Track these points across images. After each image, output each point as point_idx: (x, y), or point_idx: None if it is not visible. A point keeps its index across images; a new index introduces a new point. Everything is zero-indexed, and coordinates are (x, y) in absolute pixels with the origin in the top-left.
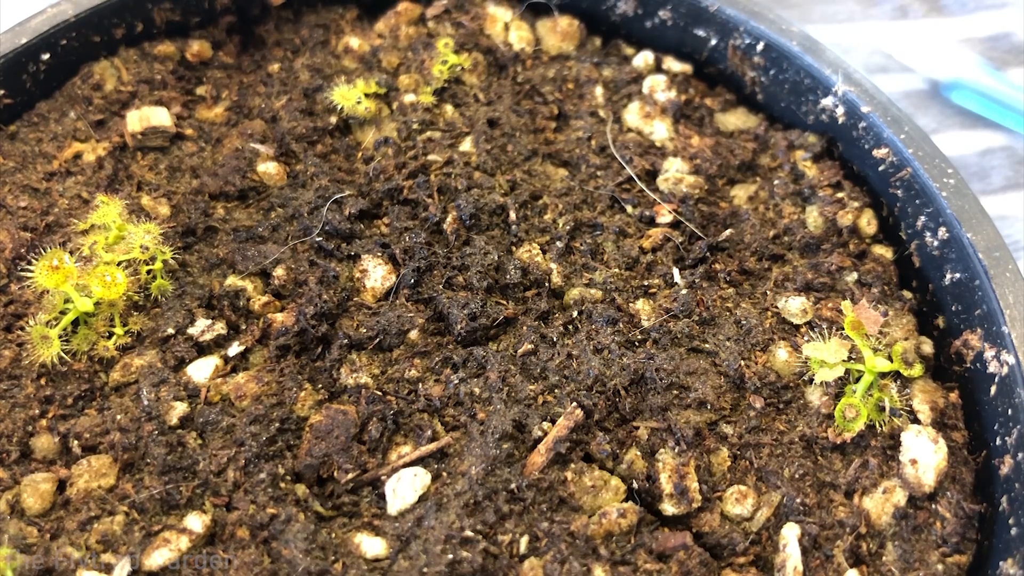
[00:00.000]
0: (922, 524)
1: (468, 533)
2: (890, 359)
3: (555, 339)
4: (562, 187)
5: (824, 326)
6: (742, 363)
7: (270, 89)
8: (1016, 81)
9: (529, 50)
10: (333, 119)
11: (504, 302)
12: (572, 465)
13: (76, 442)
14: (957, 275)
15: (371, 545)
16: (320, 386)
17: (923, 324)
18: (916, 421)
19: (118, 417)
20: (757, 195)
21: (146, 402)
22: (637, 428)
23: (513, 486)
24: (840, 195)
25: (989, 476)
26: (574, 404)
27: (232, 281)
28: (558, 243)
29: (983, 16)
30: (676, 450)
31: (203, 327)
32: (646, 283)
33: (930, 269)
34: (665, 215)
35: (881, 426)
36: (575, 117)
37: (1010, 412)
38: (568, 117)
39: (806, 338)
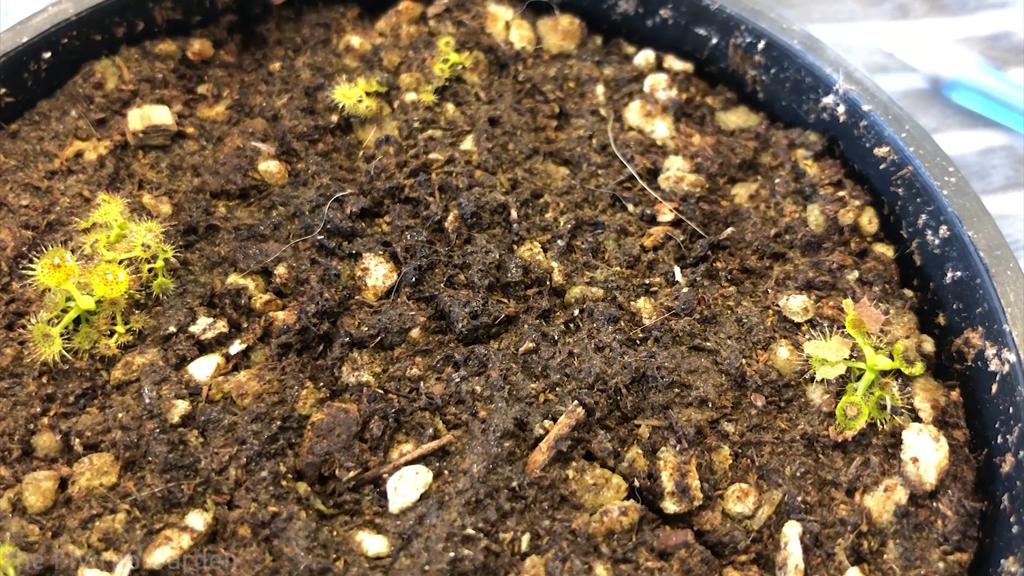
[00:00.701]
0: (923, 522)
1: (469, 531)
2: (891, 357)
3: (556, 337)
4: (563, 186)
5: (825, 324)
6: (743, 361)
7: (271, 88)
8: (1016, 80)
9: (530, 49)
10: (334, 118)
11: (505, 300)
12: (573, 463)
13: (78, 440)
14: (958, 273)
15: (372, 543)
16: (322, 384)
17: (924, 322)
18: (917, 419)
19: (120, 415)
20: (758, 193)
21: (148, 400)
22: (638, 426)
23: (515, 484)
24: (841, 193)
25: (990, 474)
26: (575, 402)
27: (234, 279)
28: (559, 241)
29: (984, 15)
30: (677, 448)
31: (205, 325)
32: (647, 281)
33: (931, 267)
34: (666, 214)
35: (882, 424)
36: (576, 116)
37: (1011, 410)
38: (569, 116)
39: (807, 336)
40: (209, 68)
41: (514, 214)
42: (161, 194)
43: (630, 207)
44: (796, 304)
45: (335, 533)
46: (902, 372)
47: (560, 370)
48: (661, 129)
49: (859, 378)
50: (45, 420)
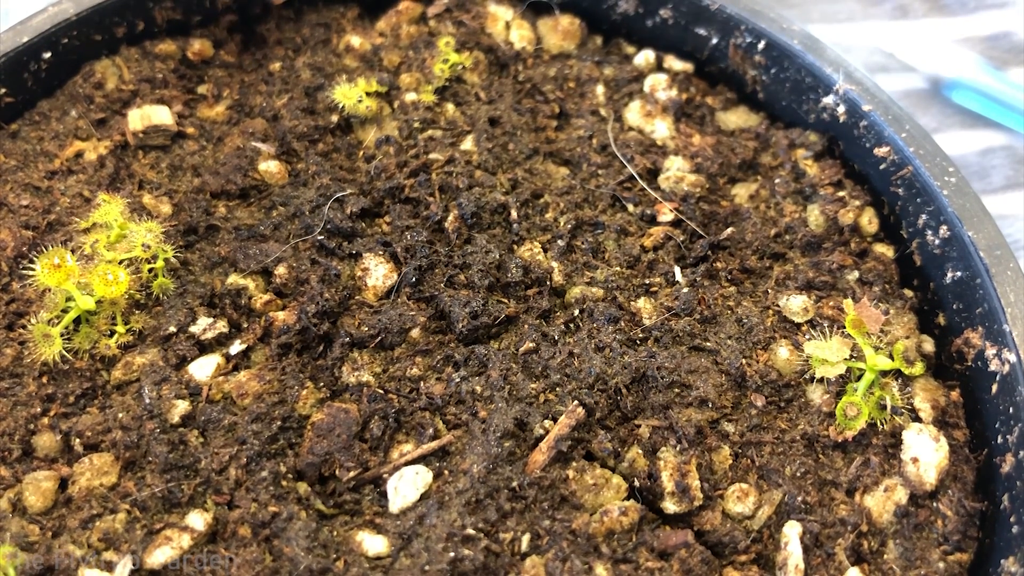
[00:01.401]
0: (923, 522)
1: (470, 531)
2: (891, 357)
3: (556, 337)
4: (563, 186)
5: (825, 324)
6: (743, 361)
7: (271, 88)
8: (1016, 80)
9: (530, 49)
10: (334, 118)
11: (505, 300)
12: (574, 463)
13: (78, 440)
14: (958, 273)
15: (373, 543)
16: (322, 384)
17: (924, 322)
18: (917, 419)
19: (120, 415)
20: (758, 194)
21: (148, 400)
22: (638, 426)
23: (515, 484)
24: (841, 193)
25: (990, 474)
26: (575, 402)
27: (234, 279)
28: (559, 242)
29: (984, 15)
30: (677, 448)
31: (205, 325)
32: (647, 281)
33: (931, 267)
34: (666, 214)
35: (882, 424)
36: (576, 116)
37: (1011, 410)
38: (569, 116)
39: (807, 336)
40: (209, 68)
41: (514, 214)
42: (161, 194)
43: (630, 207)
44: (796, 304)
45: (335, 533)
46: (902, 372)
47: (560, 370)
48: (661, 129)
49: (859, 378)
50: (45, 420)
